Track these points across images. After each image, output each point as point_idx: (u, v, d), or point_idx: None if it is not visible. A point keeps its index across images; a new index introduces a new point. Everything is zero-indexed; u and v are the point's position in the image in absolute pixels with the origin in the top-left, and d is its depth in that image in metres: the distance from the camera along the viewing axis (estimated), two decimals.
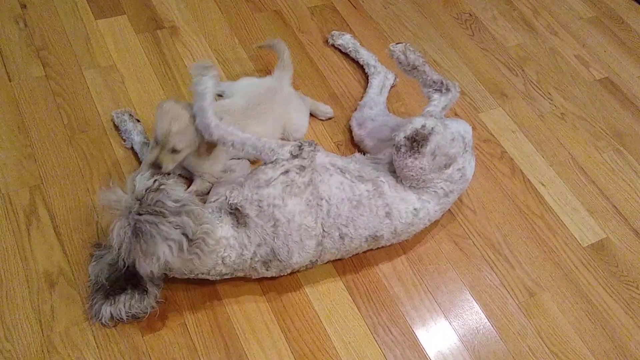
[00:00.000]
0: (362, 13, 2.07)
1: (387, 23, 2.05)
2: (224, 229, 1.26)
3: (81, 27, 1.82)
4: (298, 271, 1.40)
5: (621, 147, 1.85)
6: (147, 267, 1.18)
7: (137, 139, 1.54)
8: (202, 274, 1.29)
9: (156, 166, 1.37)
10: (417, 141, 1.35)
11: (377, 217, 1.36)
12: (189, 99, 1.70)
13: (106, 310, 1.25)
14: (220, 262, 1.27)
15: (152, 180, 1.20)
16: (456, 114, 1.83)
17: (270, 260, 1.30)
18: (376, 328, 1.38)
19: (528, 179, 1.72)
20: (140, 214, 1.15)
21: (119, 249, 1.18)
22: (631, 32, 2.23)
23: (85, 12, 1.86)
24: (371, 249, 1.46)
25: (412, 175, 1.38)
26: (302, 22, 1.98)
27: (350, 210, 1.34)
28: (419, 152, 1.35)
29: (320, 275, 1.43)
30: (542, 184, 1.72)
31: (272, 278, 1.39)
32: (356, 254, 1.46)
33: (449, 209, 1.59)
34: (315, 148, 1.36)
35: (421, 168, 1.36)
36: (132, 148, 1.56)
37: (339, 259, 1.45)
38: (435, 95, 1.50)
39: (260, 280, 1.40)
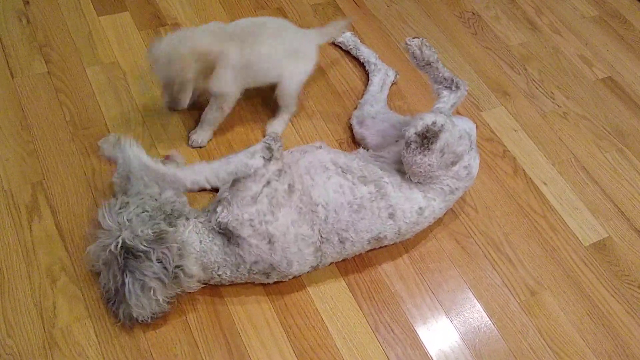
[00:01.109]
0: (364, 11, 2.06)
1: (390, 21, 2.05)
2: (214, 253, 1.26)
3: (84, 24, 1.82)
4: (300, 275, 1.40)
5: (624, 147, 1.85)
6: (137, 309, 1.21)
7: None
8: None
9: (174, 105, 1.41)
10: (427, 138, 1.34)
11: (379, 219, 1.36)
12: None
13: (125, 312, 1.23)
14: (216, 276, 1.29)
15: (117, 219, 1.22)
16: (458, 113, 1.82)
17: (270, 272, 1.30)
18: (378, 326, 1.38)
19: (530, 178, 1.72)
20: (119, 264, 1.19)
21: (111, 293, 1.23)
22: (634, 32, 2.23)
23: (87, 8, 1.86)
24: (374, 249, 1.46)
25: (421, 172, 1.37)
26: (305, 20, 1.98)
27: (351, 214, 1.33)
28: (429, 149, 1.34)
29: (322, 273, 1.43)
30: (544, 183, 1.71)
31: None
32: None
33: (452, 207, 1.59)
34: (280, 141, 1.35)
35: (429, 165, 1.36)
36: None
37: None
38: (445, 92, 1.49)
39: None
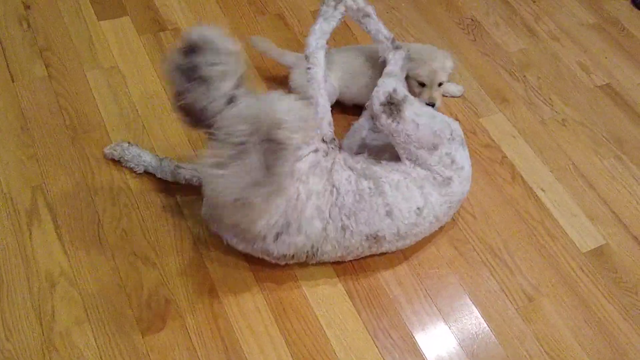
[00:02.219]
0: None
1: (390, 27, 2.05)
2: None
3: (84, 28, 1.82)
4: (296, 262, 1.40)
5: (622, 154, 1.86)
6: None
7: (148, 158, 1.49)
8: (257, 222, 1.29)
9: (431, 104, 1.61)
10: (393, 104, 1.40)
11: (377, 214, 1.36)
12: None
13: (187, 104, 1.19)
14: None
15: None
16: (457, 119, 1.83)
17: (281, 233, 1.31)
18: (376, 332, 1.38)
19: (528, 185, 1.73)
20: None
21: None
22: (633, 39, 2.24)
23: (88, 13, 1.87)
24: (374, 254, 1.46)
25: (402, 142, 1.41)
26: (305, 26, 1.98)
27: (354, 203, 1.35)
28: (400, 116, 1.39)
29: (320, 278, 1.44)
30: (542, 190, 1.72)
31: (273, 280, 1.40)
32: (357, 258, 1.46)
33: None
34: (337, 145, 1.44)
35: (407, 134, 1.40)
36: (146, 172, 1.52)
37: (339, 262, 1.45)
38: (389, 55, 1.57)
39: (261, 282, 1.40)
